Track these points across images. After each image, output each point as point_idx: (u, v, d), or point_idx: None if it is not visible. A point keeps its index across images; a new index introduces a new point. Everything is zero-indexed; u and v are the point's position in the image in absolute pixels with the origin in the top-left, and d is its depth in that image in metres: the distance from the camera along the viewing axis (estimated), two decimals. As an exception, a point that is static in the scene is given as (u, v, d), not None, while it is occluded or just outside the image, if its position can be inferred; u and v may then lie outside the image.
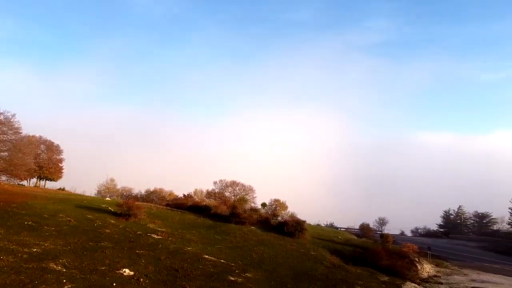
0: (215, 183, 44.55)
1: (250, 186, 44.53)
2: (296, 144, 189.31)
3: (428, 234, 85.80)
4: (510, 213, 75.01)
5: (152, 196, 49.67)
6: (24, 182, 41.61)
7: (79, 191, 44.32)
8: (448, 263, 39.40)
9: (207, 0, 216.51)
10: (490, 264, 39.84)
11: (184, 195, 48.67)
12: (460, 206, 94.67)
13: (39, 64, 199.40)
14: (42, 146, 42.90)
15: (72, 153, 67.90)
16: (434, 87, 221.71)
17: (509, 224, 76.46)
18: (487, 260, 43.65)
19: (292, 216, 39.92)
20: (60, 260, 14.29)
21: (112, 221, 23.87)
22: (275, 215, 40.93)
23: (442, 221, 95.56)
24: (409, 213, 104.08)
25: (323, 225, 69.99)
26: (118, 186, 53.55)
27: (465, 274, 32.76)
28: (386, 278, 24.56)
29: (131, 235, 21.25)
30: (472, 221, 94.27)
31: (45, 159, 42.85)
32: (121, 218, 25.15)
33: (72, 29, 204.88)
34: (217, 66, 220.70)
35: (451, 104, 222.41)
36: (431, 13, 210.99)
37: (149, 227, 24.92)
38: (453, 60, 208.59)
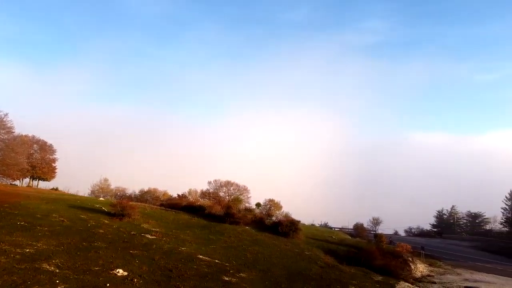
0: (209, 183, 44.52)
1: (244, 186, 44.56)
2: (291, 144, 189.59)
3: (422, 234, 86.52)
4: (503, 213, 76.16)
5: (146, 196, 49.40)
6: (17, 182, 41.15)
7: (72, 191, 43.97)
8: (441, 263, 39.80)
9: (203, 0, 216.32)
10: (483, 264, 40.32)
11: (179, 195, 48.49)
12: (453, 206, 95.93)
13: (33, 63, 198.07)
14: (35, 145, 42.46)
15: (66, 153, 67.58)
16: (429, 88, 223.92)
17: (501, 224, 77.51)
18: (479, 259, 44.14)
19: (287, 216, 40.03)
20: (53, 261, 14.18)
21: (105, 221, 23.70)
22: (269, 215, 40.99)
23: (435, 221, 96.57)
24: (403, 213, 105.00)
25: (317, 225, 70.13)
26: (112, 186, 53.14)
27: (458, 274, 33.12)
28: (380, 278, 24.73)
29: (125, 235, 21.12)
30: (465, 221, 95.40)
31: (38, 159, 42.47)
32: (114, 218, 24.98)
33: (67, 29, 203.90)
34: (214, 67, 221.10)
35: (445, 105, 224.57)
36: (427, 14, 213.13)
37: (143, 227, 24.79)
38: (448, 61, 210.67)
